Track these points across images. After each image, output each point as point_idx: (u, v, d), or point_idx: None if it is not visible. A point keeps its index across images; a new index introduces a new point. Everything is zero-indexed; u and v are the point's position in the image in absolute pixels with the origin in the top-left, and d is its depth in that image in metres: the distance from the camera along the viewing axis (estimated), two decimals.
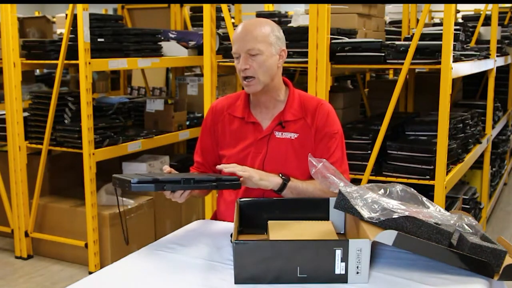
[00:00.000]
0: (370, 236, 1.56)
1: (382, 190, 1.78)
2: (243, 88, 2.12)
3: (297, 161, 2.07)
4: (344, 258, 1.55)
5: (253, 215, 1.91)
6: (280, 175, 2.00)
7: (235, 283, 1.57)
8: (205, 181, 1.81)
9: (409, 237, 1.58)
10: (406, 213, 1.61)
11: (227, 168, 1.93)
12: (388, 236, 1.56)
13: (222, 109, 2.18)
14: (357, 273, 1.56)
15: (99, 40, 3.80)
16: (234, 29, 2.10)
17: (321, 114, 2.10)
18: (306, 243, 1.59)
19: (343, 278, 1.56)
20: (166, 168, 1.99)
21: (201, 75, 4.88)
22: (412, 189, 1.80)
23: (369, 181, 3.02)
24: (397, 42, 3.12)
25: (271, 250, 1.55)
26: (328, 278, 1.56)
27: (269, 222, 1.86)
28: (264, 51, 2.00)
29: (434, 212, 1.71)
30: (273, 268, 1.55)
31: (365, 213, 1.64)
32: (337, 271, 1.56)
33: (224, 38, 3.66)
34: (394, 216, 1.61)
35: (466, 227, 1.68)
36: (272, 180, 1.97)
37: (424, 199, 1.78)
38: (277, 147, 2.08)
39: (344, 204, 1.71)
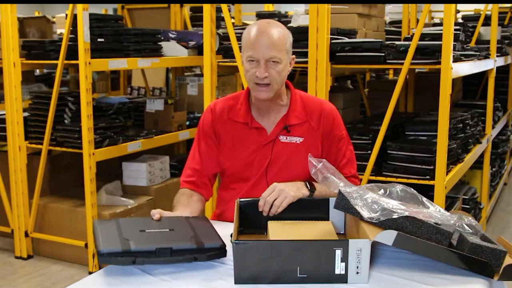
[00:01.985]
0: (370, 236, 1.56)
1: (382, 190, 1.78)
2: (242, 88, 2.10)
3: (301, 165, 2.03)
4: (344, 258, 1.55)
5: (253, 215, 1.91)
6: (307, 184, 1.98)
7: (235, 283, 1.57)
8: (184, 251, 1.61)
9: (409, 237, 1.58)
10: (406, 213, 1.61)
11: (260, 206, 1.89)
12: (388, 236, 1.56)
13: (222, 112, 2.12)
14: (357, 273, 1.56)
15: (99, 40, 3.80)
16: (245, 29, 2.04)
17: (327, 118, 2.08)
18: (306, 243, 1.59)
19: (343, 278, 1.56)
20: (155, 214, 1.82)
21: (201, 75, 4.88)
22: (412, 189, 1.80)
23: (369, 181, 3.03)
24: (397, 42, 3.12)
25: (271, 250, 1.55)
26: (328, 278, 1.56)
27: (269, 222, 1.85)
28: (283, 60, 1.97)
29: (434, 212, 1.71)
30: (273, 268, 1.55)
31: (365, 213, 1.64)
32: (337, 271, 1.55)
33: (224, 38, 3.66)
34: (394, 216, 1.61)
35: (466, 227, 1.68)
36: (303, 193, 1.95)
37: (424, 199, 1.78)
38: (282, 151, 2.06)
39: (344, 204, 1.71)
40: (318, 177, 1.80)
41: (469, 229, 1.67)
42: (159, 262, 1.59)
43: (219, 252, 1.65)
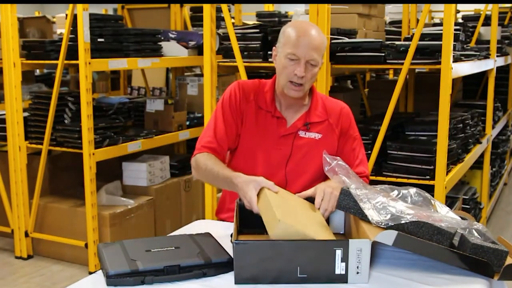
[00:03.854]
0: (370, 236, 1.56)
1: (396, 191, 1.78)
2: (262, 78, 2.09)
3: (318, 160, 2.07)
4: (344, 258, 1.55)
5: (253, 215, 1.91)
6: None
7: (235, 283, 1.57)
8: (192, 267, 1.62)
9: (409, 237, 1.57)
10: (415, 218, 1.61)
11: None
12: (388, 236, 1.56)
13: (249, 92, 2.13)
14: (357, 273, 1.56)
15: (99, 40, 3.80)
16: (285, 25, 2.05)
17: (345, 117, 2.16)
18: (307, 243, 1.59)
19: (343, 278, 1.56)
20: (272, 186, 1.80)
21: (201, 75, 4.88)
22: (426, 193, 1.80)
23: (369, 182, 3.02)
24: (397, 42, 3.12)
25: (271, 250, 1.55)
26: (328, 278, 1.56)
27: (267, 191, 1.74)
28: (319, 63, 2.01)
29: (444, 217, 1.70)
30: (273, 268, 1.55)
31: (375, 217, 1.64)
32: (337, 271, 1.56)
33: (224, 38, 3.66)
34: (402, 222, 1.60)
35: (476, 233, 1.67)
36: None
37: (437, 202, 1.78)
38: (302, 146, 2.10)
39: (345, 204, 1.71)
40: (331, 175, 1.81)
41: (478, 236, 1.66)
42: (168, 280, 1.59)
43: (227, 266, 1.65)
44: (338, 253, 1.54)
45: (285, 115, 2.11)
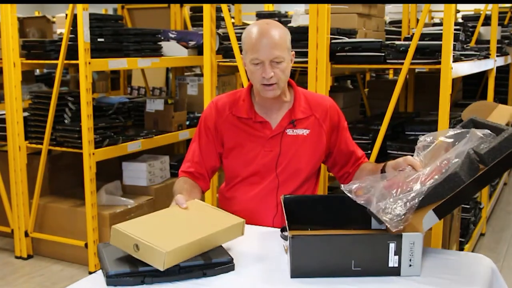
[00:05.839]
0: (418, 227, 1.58)
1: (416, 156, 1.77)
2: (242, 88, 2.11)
3: (308, 156, 2.12)
4: (398, 252, 1.58)
5: (296, 212, 1.92)
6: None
7: (291, 277, 1.59)
8: (192, 267, 1.62)
9: (441, 205, 1.58)
10: (425, 188, 1.60)
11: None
12: (430, 219, 1.59)
13: (224, 107, 2.15)
14: (410, 265, 1.59)
15: (99, 40, 3.80)
16: (244, 30, 2.06)
17: (333, 112, 2.18)
18: (362, 237, 1.65)
19: (396, 271, 1.59)
20: (183, 204, 1.97)
21: (201, 75, 4.88)
22: (427, 137, 1.80)
23: None
24: (397, 42, 3.12)
25: (328, 244, 1.58)
26: (382, 271, 1.59)
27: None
28: (286, 58, 2.02)
29: (449, 153, 1.67)
30: (329, 261, 1.58)
31: (390, 226, 1.63)
32: (391, 264, 1.59)
33: (224, 38, 3.66)
34: (420, 198, 1.59)
35: (479, 143, 1.65)
36: None
37: (442, 138, 1.75)
38: (290, 144, 2.11)
39: (378, 220, 1.72)
40: (360, 200, 1.79)
41: (482, 144, 1.64)
42: (168, 280, 1.59)
43: (228, 266, 1.65)
44: (392, 246, 1.58)
45: (267, 117, 2.12)
